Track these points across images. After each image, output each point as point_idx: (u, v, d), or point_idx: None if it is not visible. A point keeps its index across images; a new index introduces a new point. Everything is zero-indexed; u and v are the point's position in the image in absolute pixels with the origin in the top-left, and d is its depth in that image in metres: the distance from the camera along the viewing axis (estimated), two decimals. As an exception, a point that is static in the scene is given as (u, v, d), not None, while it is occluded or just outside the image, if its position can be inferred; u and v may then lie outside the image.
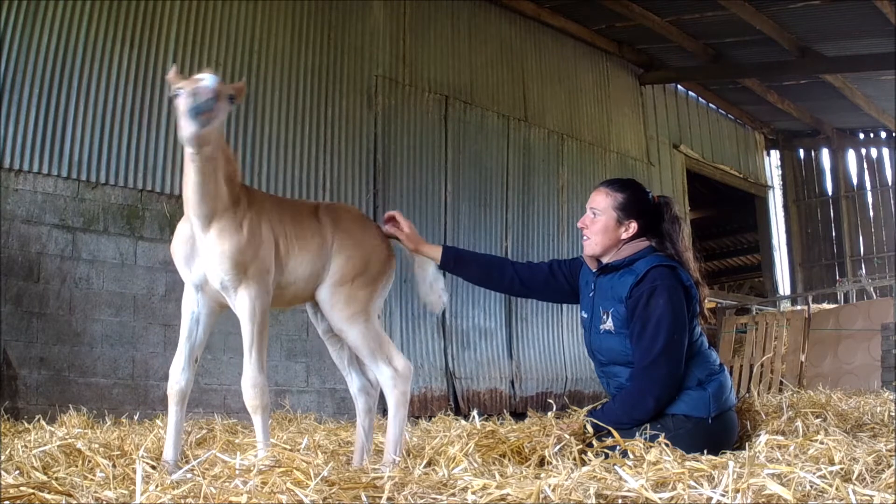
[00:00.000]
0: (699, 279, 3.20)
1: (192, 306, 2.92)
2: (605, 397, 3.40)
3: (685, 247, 3.20)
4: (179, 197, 6.42)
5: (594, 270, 3.29)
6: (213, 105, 2.52)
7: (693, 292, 3.13)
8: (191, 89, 2.51)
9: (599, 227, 3.22)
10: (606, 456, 2.61)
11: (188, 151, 2.63)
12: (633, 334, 3.07)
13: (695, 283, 3.16)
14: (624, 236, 3.22)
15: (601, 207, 3.24)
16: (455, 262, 3.42)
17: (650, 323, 3.02)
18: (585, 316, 3.32)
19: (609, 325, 3.16)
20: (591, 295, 3.29)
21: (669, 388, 3.03)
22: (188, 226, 2.82)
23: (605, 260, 3.26)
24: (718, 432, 2.96)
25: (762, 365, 9.55)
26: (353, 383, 3.26)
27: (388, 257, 3.19)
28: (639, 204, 3.24)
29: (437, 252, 3.37)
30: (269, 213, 2.91)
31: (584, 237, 3.29)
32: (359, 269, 3.02)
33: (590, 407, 3.16)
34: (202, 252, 2.80)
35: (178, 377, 2.86)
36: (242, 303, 2.79)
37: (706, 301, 3.25)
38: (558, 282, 3.46)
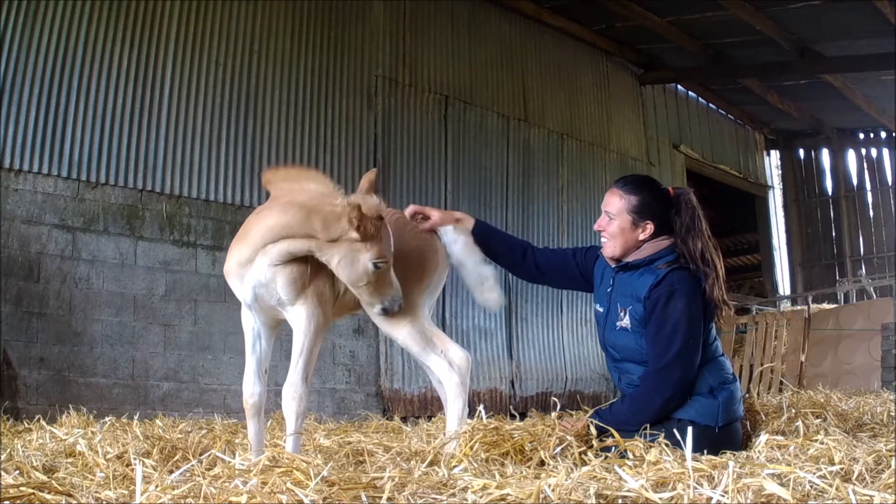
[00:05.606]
0: (718, 273, 3.14)
1: (250, 322, 3.07)
2: (605, 398, 3.42)
3: (704, 240, 3.13)
4: (179, 197, 6.49)
5: (613, 266, 3.28)
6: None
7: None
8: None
9: (615, 230, 3.19)
10: (606, 456, 2.60)
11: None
12: (649, 336, 3.07)
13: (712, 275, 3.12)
14: (642, 237, 3.18)
15: (615, 211, 3.19)
16: (483, 235, 3.48)
17: (667, 326, 3.01)
18: (601, 310, 3.32)
19: (626, 322, 3.16)
20: (608, 290, 3.27)
21: (680, 392, 3.03)
22: (245, 251, 2.91)
23: (624, 259, 3.25)
24: (723, 443, 2.91)
25: (762, 365, 9.54)
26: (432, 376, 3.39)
27: (426, 258, 3.26)
28: (653, 204, 3.19)
29: (470, 222, 3.46)
30: None
31: (603, 239, 3.27)
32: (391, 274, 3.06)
33: (597, 408, 3.16)
34: (258, 276, 2.90)
35: (250, 391, 3.02)
36: (299, 317, 2.93)
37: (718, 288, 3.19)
38: (570, 270, 3.51)
